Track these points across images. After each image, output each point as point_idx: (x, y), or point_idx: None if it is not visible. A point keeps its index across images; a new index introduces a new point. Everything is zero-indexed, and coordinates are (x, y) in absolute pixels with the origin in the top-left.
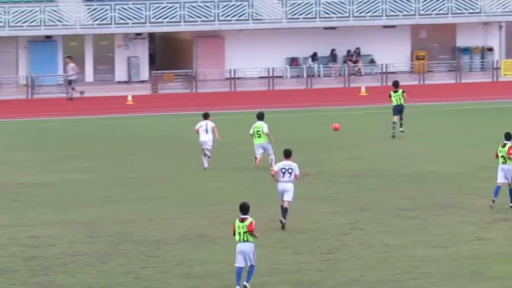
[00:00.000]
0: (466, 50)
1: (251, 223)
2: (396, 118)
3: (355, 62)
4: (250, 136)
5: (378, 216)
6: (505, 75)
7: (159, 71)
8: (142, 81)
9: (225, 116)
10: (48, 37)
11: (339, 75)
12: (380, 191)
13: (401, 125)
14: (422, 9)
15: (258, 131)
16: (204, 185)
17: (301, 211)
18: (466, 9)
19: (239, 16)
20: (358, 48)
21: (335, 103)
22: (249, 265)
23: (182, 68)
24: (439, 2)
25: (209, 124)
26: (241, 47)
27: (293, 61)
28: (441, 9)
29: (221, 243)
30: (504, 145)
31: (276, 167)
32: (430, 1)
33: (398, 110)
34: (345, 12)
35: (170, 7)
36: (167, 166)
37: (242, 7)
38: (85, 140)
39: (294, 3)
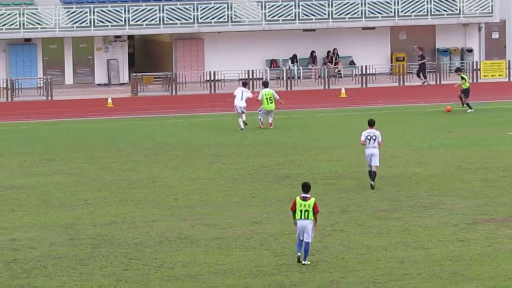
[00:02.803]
0: (446, 52)
1: (315, 204)
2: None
3: (335, 64)
4: (259, 101)
5: (359, 217)
6: (485, 76)
7: (138, 74)
8: (122, 84)
9: (205, 118)
10: (28, 40)
11: (319, 77)
12: (360, 193)
13: (468, 105)
14: (401, 11)
15: (270, 97)
16: (185, 187)
17: (281, 213)
18: (445, 10)
19: (218, 18)
20: (335, 49)
21: (315, 105)
22: (306, 241)
23: (162, 71)
24: (418, 3)
25: (245, 93)
26: (221, 49)
27: (272, 63)
28: (420, 11)
29: (202, 245)
30: None
31: (362, 136)
32: (409, 3)
33: (468, 92)
34: (324, 14)
35: (149, 10)
36: (147, 168)
37: (221, 10)
38: (65, 143)
39: (273, 5)
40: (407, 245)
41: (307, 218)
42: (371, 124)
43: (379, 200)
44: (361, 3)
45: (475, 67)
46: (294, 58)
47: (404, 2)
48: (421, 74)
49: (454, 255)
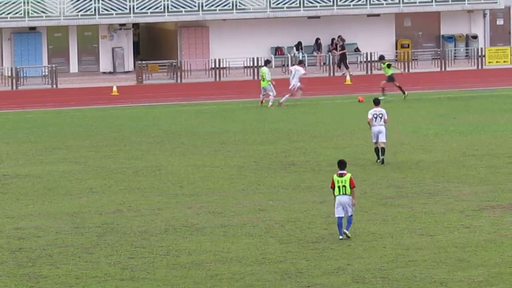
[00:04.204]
0: (451, 38)
1: (351, 179)
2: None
3: (341, 51)
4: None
5: (365, 204)
6: (490, 62)
7: (143, 62)
8: (127, 72)
9: (210, 106)
10: (32, 28)
11: (324, 64)
12: (366, 180)
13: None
14: None
15: (263, 75)
16: (190, 175)
17: (287, 200)
18: None
19: (223, 6)
20: (339, 36)
21: (320, 92)
22: (348, 215)
23: (167, 59)
24: None
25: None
26: (226, 37)
27: (277, 51)
28: None
29: (208, 233)
30: None
31: (369, 115)
32: None
33: (392, 79)
34: (329, 1)
35: None
36: (153, 156)
37: None
38: (70, 132)
39: None
40: (413, 232)
41: (345, 194)
42: (377, 103)
43: (385, 187)
44: None
45: (480, 54)
46: (299, 45)
47: None
48: (342, 64)
49: (460, 242)
